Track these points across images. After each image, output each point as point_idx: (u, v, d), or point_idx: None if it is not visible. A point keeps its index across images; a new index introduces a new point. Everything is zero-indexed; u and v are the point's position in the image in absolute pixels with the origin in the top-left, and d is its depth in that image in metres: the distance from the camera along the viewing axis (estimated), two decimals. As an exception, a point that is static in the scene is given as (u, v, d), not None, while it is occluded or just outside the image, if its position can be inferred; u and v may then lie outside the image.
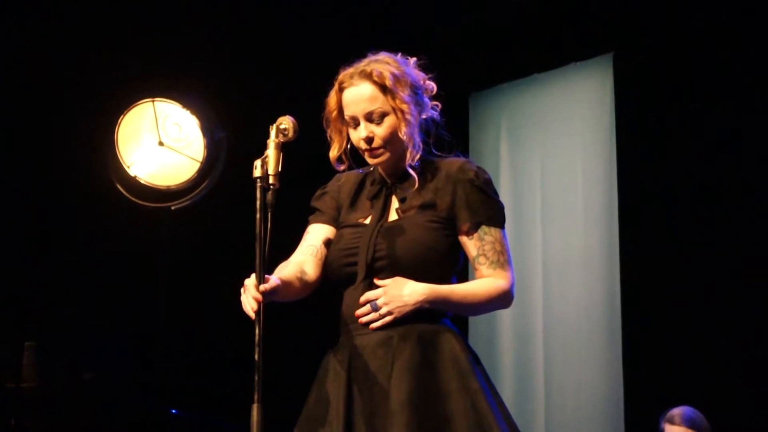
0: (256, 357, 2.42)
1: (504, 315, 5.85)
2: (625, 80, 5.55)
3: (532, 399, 5.72)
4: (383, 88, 2.65)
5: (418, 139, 2.70)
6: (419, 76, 2.75)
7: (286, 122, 2.56)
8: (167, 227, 5.63)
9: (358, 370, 2.59)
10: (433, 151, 2.78)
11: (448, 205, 2.68)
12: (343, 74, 2.71)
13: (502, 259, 2.68)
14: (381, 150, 2.69)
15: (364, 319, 2.61)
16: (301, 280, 2.67)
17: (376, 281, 2.63)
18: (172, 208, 5.55)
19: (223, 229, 5.51)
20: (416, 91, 2.71)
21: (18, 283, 5.28)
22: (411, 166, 2.71)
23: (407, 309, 2.59)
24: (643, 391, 5.20)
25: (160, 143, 5.53)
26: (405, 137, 2.66)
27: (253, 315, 2.44)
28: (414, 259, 2.62)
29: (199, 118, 5.51)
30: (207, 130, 5.51)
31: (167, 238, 5.64)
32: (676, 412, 4.52)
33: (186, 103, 5.50)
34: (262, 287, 2.44)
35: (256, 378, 2.41)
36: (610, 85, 5.63)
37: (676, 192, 5.26)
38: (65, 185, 5.45)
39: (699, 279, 5.10)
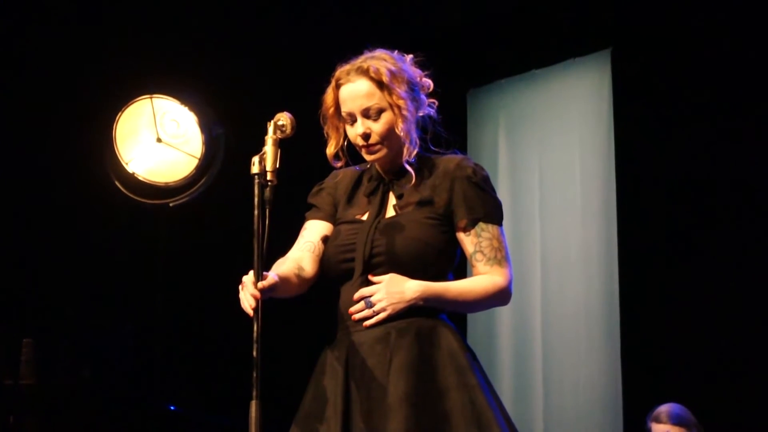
0: (255, 354, 2.42)
1: (502, 312, 5.85)
2: (624, 76, 5.55)
3: (530, 396, 5.72)
4: (380, 84, 2.66)
5: (414, 135, 2.70)
6: (416, 72, 2.75)
7: (283, 119, 2.56)
8: (165, 224, 5.63)
9: (356, 366, 2.59)
10: (431, 147, 2.78)
11: (445, 201, 2.68)
12: (340, 71, 2.72)
13: (500, 255, 2.68)
14: (378, 146, 2.69)
15: (357, 316, 2.61)
16: (298, 276, 2.67)
17: (371, 278, 2.63)
18: (171, 204, 5.55)
19: (221, 226, 5.51)
20: (413, 87, 2.72)
21: (16, 280, 5.28)
22: (408, 163, 2.71)
23: (401, 306, 2.59)
24: (642, 388, 5.20)
25: (159, 140, 5.53)
26: (402, 133, 2.67)
27: (251, 312, 2.44)
28: (411, 256, 2.62)
29: (197, 114, 5.50)
30: (205, 127, 5.51)
31: (165, 235, 5.64)
32: (662, 409, 4.50)
33: (184, 99, 5.50)
34: (260, 284, 2.44)
35: (255, 375, 2.41)
36: (609, 81, 5.62)
37: (675, 188, 5.26)
38: (63, 182, 5.45)
39: (698, 275, 5.10)
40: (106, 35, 5.48)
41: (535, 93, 5.97)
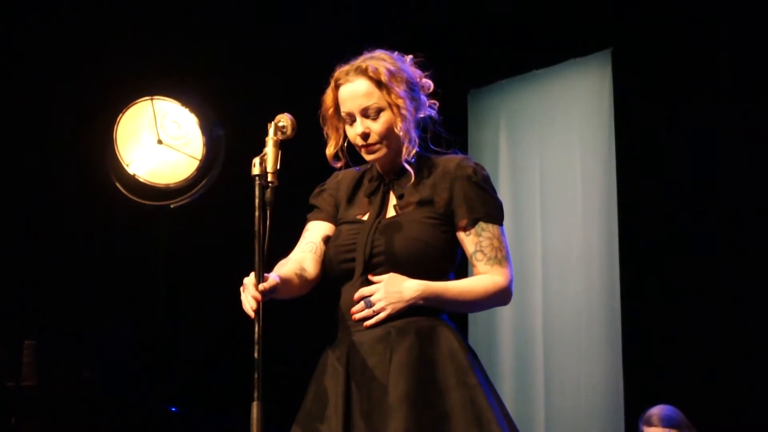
0: (256, 355, 2.42)
1: (503, 312, 5.85)
2: (624, 76, 5.55)
3: (531, 397, 5.72)
4: (379, 84, 2.66)
5: (414, 134, 2.70)
6: (415, 73, 2.75)
7: (284, 120, 2.56)
8: (166, 225, 5.63)
9: (356, 366, 2.60)
10: (431, 147, 2.79)
11: (445, 201, 2.68)
12: (339, 71, 2.72)
13: (500, 255, 2.68)
14: (377, 146, 2.69)
15: (357, 316, 2.62)
16: (300, 277, 2.67)
17: (371, 278, 2.63)
18: (171, 206, 5.56)
19: (222, 227, 5.52)
20: (412, 87, 2.72)
21: (17, 282, 5.28)
22: (408, 162, 2.71)
23: (401, 306, 2.59)
24: (643, 389, 5.19)
25: (159, 141, 5.53)
26: (401, 132, 2.67)
27: (252, 314, 2.44)
28: (411, 256, 2.63)
29: (197, 116, 5.51)
30: (206, 128, 5.51)
31: (166, 236, 5.64)
32: (654, 412, 4.50)
33: (185, 101, 5.50)
34: (262, 286, 2.44)
35: (256, 376, 2.41)
36: (609, 81, 5.62)
37: (675, 188, 5.26)
38: (64, 184, 5.45)
39: (699, 276, 5.09)
40: (106, 37, 5.48)
41: (536, 93, 5.97)
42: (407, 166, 2.71)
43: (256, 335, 2.42)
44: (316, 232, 2.78)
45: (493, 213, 2.69)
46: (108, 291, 5.49)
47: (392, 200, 2.74)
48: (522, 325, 5.84)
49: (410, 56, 2.78)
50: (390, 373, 2.54)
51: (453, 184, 2.69)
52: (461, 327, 2.75)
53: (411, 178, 2.70)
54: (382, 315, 2.59)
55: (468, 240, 2.68)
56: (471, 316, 5.91)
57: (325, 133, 2.78)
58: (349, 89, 2.69)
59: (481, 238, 2.67)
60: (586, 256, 5.62)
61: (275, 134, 2.55)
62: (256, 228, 2.45)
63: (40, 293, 5.32)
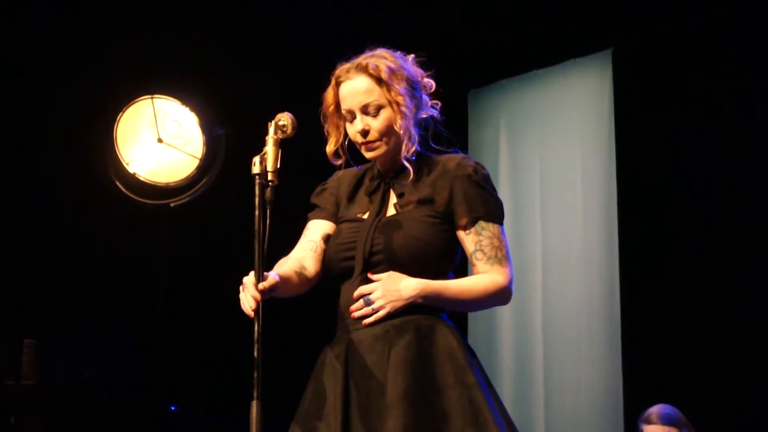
0: (255, 354, 2.42)
1: (503, 312, 5.85)
2: (624, 76, 5.55)
3: (531, 396, 5.72)
4: (379, 81, 2.67)
5: (414, 132, 2.70)
6: (417, 72, 2.76)
7: (284, 119, 2.56)
8: (166, 224, 5.63)
9: (355, 364, 2.60)
10: (433, 146, 2.79)
11: (445, 200, 2.68)
12: (340, 69, 2.73)
13: (500, 254, 2.68)
14: (377, 143, 2.69)
15: (356, 314, 2.62)
16: (300, 275, 2.67)
17: (370, 276, 2.63)
18: (172, 205, 5.56)
19: (222, 226, 5.51)
20: (413, 85, 2.72)
21: (17, 281, 5.28)
22: (407, 160, 2.71)
23: (400, 304, 2.59)
24: (643, 389, 5.19)
25: (159, 140, 5.53)
26: (401, 130, 2.67)
27: (251, 314, 2.44)
28: (411, 254, 2.62)
29: (198, 115, 5.51)
30: (206, 127, 5.51)
31: (166, 235, 5.64)
32: (653, 411, 4.51)
33: (185, 100, 5.51)
34: (261, 285, 2.44)
35: (255, 375, 2.41)
36: (609, 82, 5.62)
37: (675, 188, 5.26)
38: (64, 182, 5.45)
39: (698, 275, 5.09)
40: (107, 36, 5.48)
41: (536, 93, 5.97)
42: (407, 164, 2.71)
43: (255, 334, 2.42)
44: (316, 230, 2.78)
45: (494, 212, 2.69)
46: (108, 290, 5.49)
47: (393, 199, 2.74)
48: (522, 324, 5.84)
49: (412, 55, 2.78)
50: (388, 371, 2.54)
51: (453, 182, 2.69)
52: (461, 327, 2.74)
53: (411, 171, 2.70)
54: (381, 313, 2.59)
55: (468, 239, 2.68)
56: (471, 316, 5.91)
57: (325, 130, 2.78)
58: (350, 86, 2.69)
59: (481, 237, 2.67)
60: (586, 255, 5.62)
61: (275, 133, 2.55)
62: (256, 227, 2.45)
63: (39, 292, 5.32)
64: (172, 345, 5.60)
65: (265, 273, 2.47)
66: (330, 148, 2.77)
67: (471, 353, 2.63)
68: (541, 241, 5.81)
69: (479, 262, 2.67)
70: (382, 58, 2.71)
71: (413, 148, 2.70)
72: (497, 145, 6.10)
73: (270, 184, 2.48)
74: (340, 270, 2.69)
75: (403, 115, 2.67)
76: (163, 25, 5.58)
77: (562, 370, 5.62)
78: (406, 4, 5.73)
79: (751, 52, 5.07)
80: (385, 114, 2.68)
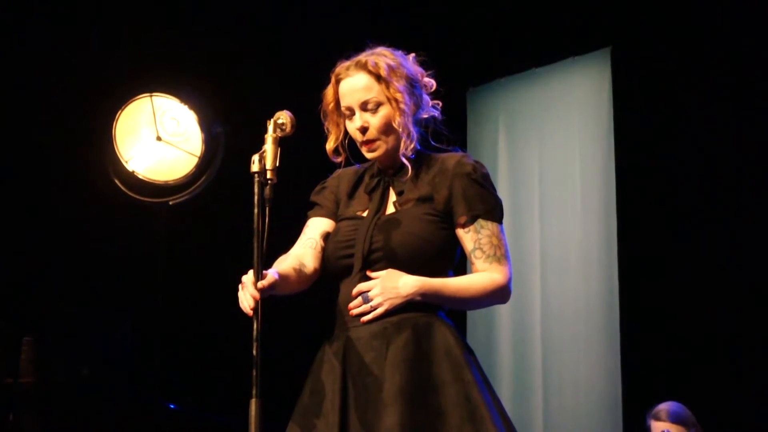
0: (254, 352, 2.42)
1: (502, 311, 5.85)
2: (623, 75, 5.55)
3: (530, 395, 5.72)
4: (378, 78, 2.67)
5: (413, 129, 2.70)
6: (417, 70, 2.76)
7: (283, 117, 2.56)
8: (165, 222, 5.62)
9: (353, 361, 2.60)
10: (432, 143, 2.79)
11: (445, 198, 2.68)
12: (340, 67, 2.74)
13: (499, 253, 2.67)
14: (376, 142, 2.70)
15: (355, 311, 2.62)
16: (299, 272, 2.68)
17: (369, 273, 2.63)
18: (170, 203, 5.55)
19: (221, 224, 5.51)
20: (412, 83, 2.72)
21: (16, 278, 5.27)
22: (407, 158, 2.71)
23: (398, 301, 2.59)
24: (641, 388, 5.20)
25: (158, 138, 5.53)
26: (399, 127, 2.67)
27: (250, 312, 2.44)
28: (410, 252, 2.63)
29: (197, 113, 5.51)
30: (205, 125, 5.51)
31: (165, 233, 5.64)
32: (662, 408, 4.52)
33: (184, 98, 5.50)
34: (260, 284, 2.44)
35: (254, 373, 2.41)
36: (608, 80, 5.63)
37: (674, 187, 5.26)
38: (63, 180, 5.44)
39: (697, 275, 5.10)
40: (106, 33, 5.48)
41: (535, 91, 5.98)
42: (405, 161, 2.71)
43: (254, 332, 2.42)
44: (315, 228, 2.79)
45: (493, 210, 2.69)
46: (107, 288, 5.48)
47: (392, 197, 2.74)
48: (520, 323, 5.84)
49: (412, 54, 2.79)
50: (386, 368, 2.54)
51: (452, 181, 2.69)
52: (459, 325, 2.74)
53: (409, 171, 2.70)
54: (379, 310, 2.60)
55: (467, 237, 2.68)
56: (469, 315, 5.91)
57: (325, 128, 2.79)
58: (349, 83, 2.70)
59: (480, 236, 2.67)
60: (584, 254, 5.63)
61: (274, 131, 2.55)
62: (255, 225, 2.45)
63: (38, 290, 5.32)
64: (170, 343, 5.60)
65: (264, 271, 2.47)
66: (330, 145, 2.78)
67: (469, 351, 2.63)
68: (540, 240, 5.82)
69: (478, 261, 2.67)
70: (381, 56, 2.71)
71: (412, 145, 2.71)
72: (496, 144, 6.10)
73: (269, 182, 2.48)
74: (339, 268, 2.69)
75: (402, 112, 2.67)
76: (162, 23, 5.58)
77: (560, 368, 5.62)
78: (405, 3, 5.73)
79: (750, 51, 5.07)
80: (384, 111, 2.68)
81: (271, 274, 2.49)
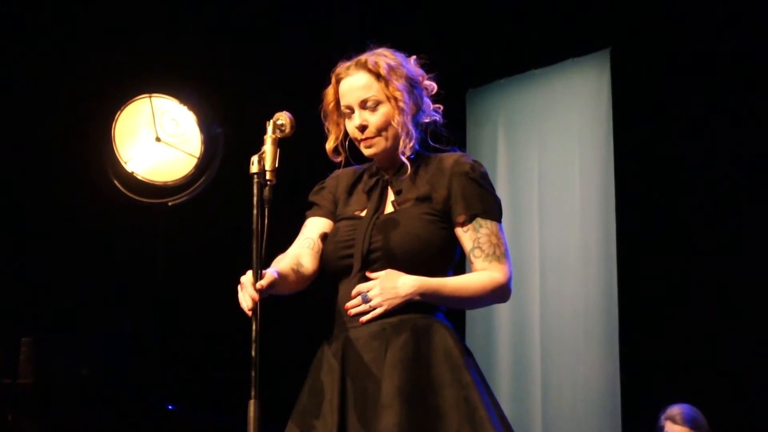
0: (253, 353, 2.42)
1: (501, 312, 5.85)
2: (623, 76, 5.55)
3: (529, 396, 5.72)
4: (378, 77, 2.67)
5: (412, 128, 2.70)
6: (417, 72, 2.76)
7: (283, 118, 2.56)
8: (164, 223, 5.62)
9: (352, 362, 2.60)
10: (431, 144, 2.79)
11: (443, 197, 2.68)
12: (340, 67, 2.75)
13: (498, 252, 2.67)
14: (375, 139, 2.70)
15: (353, 311, 2.61)
16: (297, 272, 2.67)
17: (368, 274, 2.63)
18: (170, 204, 5.55)
19: (220, 225, 5.51)
20: (412, 84, 2.73)
21: (14, 279, 5.27)
22: (405, 157, 2.70)
23: (397, 301, 2.58)
24: (641, 388, 5.20)
25: (158, 139, 5.52)
26: (398, 126, 2.67)
27: (249, 313, 2.44)
28: (409, 252, 2.62)
29: (196, 113, 5.50)
30: (204, 126, 5.51)
31: (164, 234, 5.64)
32: (678, 411, 4.51)
33: (183, 98, 5.50)
34: (259, 285, 2.44)
35: (253, 374, 2.41)
36: (608, 81, 5.62)
37: (674, 188, 5.26)
38: (62, 181, 5.44)
39: (696, 275, 5.10)
40: (105, 34, 5.47)
41: (535, 93, 5.97)
42: (404, 159, 2.70)
43: (253, 333, 2.42)
44: (313, 228, 2.79)
45: (491, 209, 2.68)
46: (106, 288, 5.48)
47: (390, 196, 2.74)
48: (519, 324, 5.84)
49: (414, 56, 2.79)
50: (384, 369, 2.54)
51: (451, 180, 2.69)
52: (459, 326, 2.74)
53: (408, 171, 2.70)
54: (378, 311, 2.59)
55: (466, 236, 2.67)
56: (468, 316, 5.91)
57: (326, 128, 2.79)
58: (349, 82, 2.71)
59: (478, 235, 2.66)
60: (583, 254, 5.63)
61: (274, 132, 2.55)
62: (254, 226, 2.45)
63: (37, 290, 5.32)
64: (169, 344, 5.60)
65: (263, 271, 2.47)
66: (329, 145, 2.78)
67: (467, 352, 2.62)
68: (539, 240, 5.82)
69: (477, 260, 2.66)
70: (382, 56, 2.72)
71: (411, 144, 2.70)
72: (495, 145, 6.10)
73: (268, 183, 2.49)
74: (338, 268, 2.69)
75: (401, 111, 2.67)
76: (161, 23, 5.58)
77: (559, 369, 5.62)
78: (404, 4, 5.73)
79: (749, 51, 5.07)
80: (384, 109, 2.69)
81: (270, 274, 2.49)
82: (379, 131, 2.69)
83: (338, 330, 2.67)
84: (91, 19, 5.46)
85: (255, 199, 2.47)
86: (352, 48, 2.78)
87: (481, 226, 2.66)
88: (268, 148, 2.52)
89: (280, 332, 4.76)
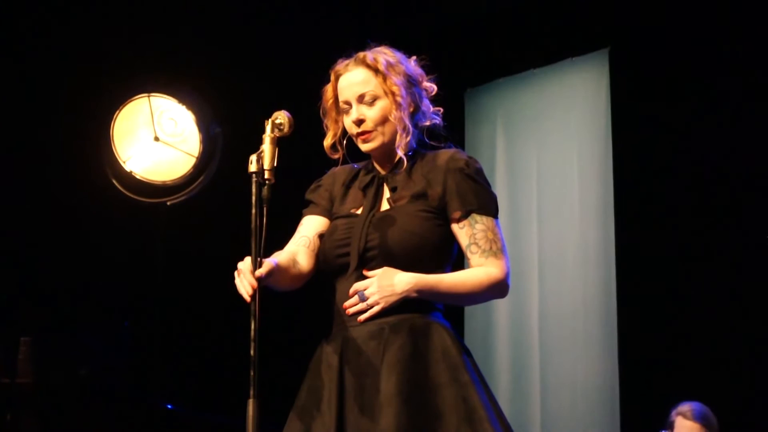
0: (252, 352, 2.41)
1: (500, 310, 5.85)
2: (622, 76, 5.55)
3: (528, 395, 5.72)
4: (376, 71, 2.68)
5: (409, 124, 2.70)
6: (417, 71, 2.76)
7: (281, 117, 2.56)
8: (163, 223, 5.62)
9: (350, 361, 2.59)
10: (427, 141, 2.78)
11: (439, 194, 2.67)
12: (340, 64, 2.75)
13: (495, 247, 2.65)
14: (372, 133, 2.69)
15: (351, 310, 2.59)
16: (294, 268, 2.67)
17: (365, 272, 2.62)
18: (168, 203, 5.55)
19: (219, 225, 5.51)
20: (411, 82, 2.72)
21: (13, 279, 5.27)
22: (402, 152, 2.70)
23: (394, 299, 2.57)
24: (639, 387, 5.20)
25: (156, 138, 5.52)
26: (395, 120, 2.67)
27: (248, 298, 2.43)
28: (406, 249, 2.61)
29: (194, 113, 5.50)
30: (203, 125, 5.51)
31: (163, 233, 5.64)
32: (689, 407, 4.52)
33: (182, 98, 5.50)
34: (258, 272, 2.43)
35: (252, 373, 2.41)
36: (606, 81, 5.63)
37: (672, 187, 5.27)
38: (61, 181, 5.44)
39: (695, 274, 5.10)
40: (104, 33, 5.47)
41: (534, 92, 5.97)
42: (400, 153, 2.70)
43: (252, 333, 2.42)
44: (310, 226, 2.78)
45: (487, 205, 2.67)
46: (105, 288, 5.48)
47: (386, 193, 2.74)
48: (518, 323, 5.84)
49: (414, 57, 2.79)
50: (382, 369, 2.53)
51: (446, 176, 2.68)
52: (457, 326, 2.73)
53: (404, 164, 2.70)
54: (375, 309, 2.57)
55: (462, 232, 2.66)
56: (467, 316, 5.91)
57: (324, 125, 2.79)
58: (348, 78, 2.71)
59: (474, 230, 2.65)
60: (582, 254, 5.63)
61: (272, 131, 2.55)
62: (253, 225, 2.45)
63: (36, 290, 5.31)
64: (168, 343, 5.59)
65: (264, 259, 2.47)
66: (327, 141, 2.78)
67: (466, 352, 2.61)
68: (538, 240, 5.82)
69: (474, 256, 2.65)
70: (381, 53, 2.73)
71: (408, 139, 2.70)
72: (494, 144, 6.10)
73: (267, 182, 2.48)
74: (335, 266, 2.68)
75: (398, 106, 2.67)
76: (160, 23, 5.58)
77: (558, 368, 5.62)
78: (403, 4, 5.73)
79: (748, 51, 5.07)
80: (381, 104, 2.68)
81: (269, 262, 2.49)
82: (376, 125, 2.69)
83: (337, 329, 2.67)
84: (90, 18, 5.45)
85: (253, 198, 2.47)
86: (352, 48, 2.78)
87: (477, 222, 2.65)
88: (266, 147, 2.52)
89: (279, 331, 4.76)
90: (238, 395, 2.62)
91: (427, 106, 2.77)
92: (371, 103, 2.68)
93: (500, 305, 5.81)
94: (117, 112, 5.47)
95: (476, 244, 2.65)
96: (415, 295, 2.58)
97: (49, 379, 4.35)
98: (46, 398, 4.31)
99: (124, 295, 5.56)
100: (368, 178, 2.77)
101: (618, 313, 5.39)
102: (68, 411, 4.35)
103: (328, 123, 2.78)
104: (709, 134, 5.14)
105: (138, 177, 5.50)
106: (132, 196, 5.51)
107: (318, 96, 2.79)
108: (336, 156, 2.79)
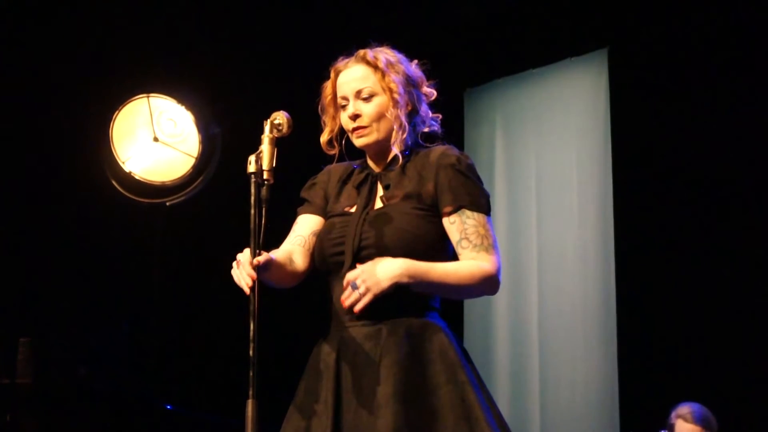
0: (251, 353, 2.42)
1: (499, 310, 5.85)
2: (621, 75, 5.55)
3: (527, 394, 5.72)
4: (375, 68, 2.68)
5: (405, 121, 2.69)
6: (417, 74, 2.76)
7: (280, 117, 2.56)
8: (162, 223, 5.62)
9: (347, 362, 2.59)
10: (422, 143, 2.78)
11: (431, 191, 2.66)
12: (340, 61, 2.75)
13: (486, 243, 2.63)
14: (367, 129, 2.69)
15: (347, 302, 2.54)
16: (290, 266, 2.67)
17: (357, 265, 2.57)
18: (168, 203, 5.55)
19: (218, 225, 5.51)
20: (410, 82, 2.72)
21: (13, 279, 5.27)
22: (397, 150, 2.70)
23: (386, 284, 2.50)
24: (638, 386, 5.20)
25: (155, 139, 5.53)
26: (392, 117, 2.67)
27: (247, 290, 2.43)
28: (399, 247, 2.59)
29: (194, 113, 5.51)
30: (202, 126, 5.51)
31: (162, 234, 5.64)
32: (689, 409, 4.51)
33: (181, 98, 5.50)
34: (256, 260, 2.44)
35: (251, 374, 2.41)
36: (606, 81, 5.63)
37: (672, 187, 5.27)
38: (60, 181, 5.44)
39: (694, 274, 5.10)
40: (103, 34, 5.47)
41: (533, 92, 5.98)
42: (396, 151, 2.70)
43: (251, 333, 2.42)
44: (305, 225, 2.78)
45: (479, 201, 2.65)
46: (104, 288, 5.48)
47: (380, 191, 2.73)
48: (517, 322, 5.84)
49: (416, 61, 2.79)
50: (380, 369, 2.53)
51: (437, 173, 2.67)
52: (456, 326, 2.73)
53: (399, 161, 2.70)
54: (368, 296, 2.49)
55: (453, 228, 2.64)
56: (467, 316, 5.91)
57: (322, 121, 2.79)
58: (347, 74, 2.72)
59: (465, 226, 2.63)
60: (581, 254, 5.63)
61: (271, 132, 2.55)
62: (252, 226, 2.45)
63: (35, 291, 5.32)
64: (167, 343, 5.60)
65: (262, 252, 2.47)
66: (324, 137, 2.77)
67: (463, 352, 2.61)
68: (537, 240, 5.82)
69: (465, 251, 2.62)
70: (382, 52, 2.73)
71: (403, 136, 2.70)
72: (493, 144, 6.10)
73: (265, 182, 2.49)
74: (331, 265, 2.68)
75: (395, 103, 2.67)
76: (160, 23, 5.58)
77: (557, 368, 5.63)
78: (402, 4, 5.73)
79: (747, 51, 5.07)
80: (378, 101, 2.69)
81: (267, 255, 2.49)
82: (372, 121, 2.68)
83: (334, 330, 2.66)
84: (89, 18, 5.45)
85: (252, 198, 2.47)
86: (351, 47, 2.78)
87: (468, 218, 2.64)
88: (265, 147, 2.52)
89: (278, 332, 4.76)
90: (237, 395, 2.62)
91: (426, 112, 2.77)
92: (368, 99, 2.69)
93: (499, 305, 5.82)
94: (116, 112, 5.48)
95: (467, 239, 2.63)
96: (406, 280, 2.52)
97: (49, 379, 4.35)
98: (46, 398, 4.31)
99: (123, 295, 5.56)
100: (362, 176, 2.77)
101: (617, 312, 5.39)
102: (68, 411, 4.36)
103: (326, 119, 2.78)
104: (709, 134, 5.14)
105: (137, 177, 5.50)
106: (131, 196, 5.52)
107: (317, 97, 2.79)
108: (332, 152, 2.79)
